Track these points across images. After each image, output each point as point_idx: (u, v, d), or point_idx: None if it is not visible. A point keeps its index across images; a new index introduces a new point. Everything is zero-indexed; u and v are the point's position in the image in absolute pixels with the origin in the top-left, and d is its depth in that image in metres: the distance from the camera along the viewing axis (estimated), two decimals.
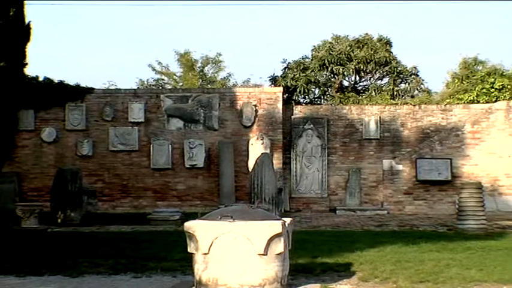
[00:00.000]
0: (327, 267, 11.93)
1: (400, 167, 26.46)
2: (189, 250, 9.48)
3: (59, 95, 27.72)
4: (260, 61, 58.91)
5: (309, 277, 11.00)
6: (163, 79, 44.80)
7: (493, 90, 32.08)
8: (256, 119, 27.44)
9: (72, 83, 28.39)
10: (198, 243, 9.25)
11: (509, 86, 32.05)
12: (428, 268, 11.75)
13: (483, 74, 33.39)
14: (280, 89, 28.82)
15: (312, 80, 33.80)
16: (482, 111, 26.69)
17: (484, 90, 32.14)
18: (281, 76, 33.93)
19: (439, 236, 17.32)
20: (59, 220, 21.16)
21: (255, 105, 27.46)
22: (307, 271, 11.40)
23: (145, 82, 43.58)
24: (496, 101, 29.31)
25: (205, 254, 9.22)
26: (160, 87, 41.04)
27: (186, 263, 11.10)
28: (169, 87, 41.89)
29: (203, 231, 9.25)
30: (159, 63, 44.55)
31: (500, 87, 32.06)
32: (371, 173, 27.67)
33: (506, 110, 26.25)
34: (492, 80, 32.52)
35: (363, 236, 17.46)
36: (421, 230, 19.67)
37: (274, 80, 33.86)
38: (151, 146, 27.48)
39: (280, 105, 27.58)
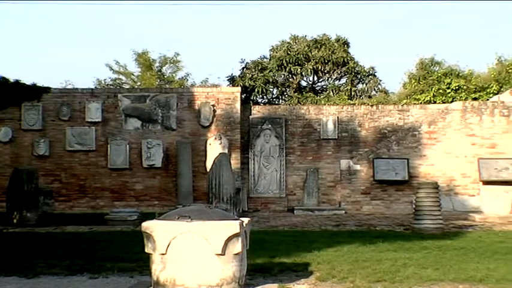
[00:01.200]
0: (285, 267, 11.94)
1: (358, 167, 26.58)
2: (146, 250, 9.43)
3: (15, 94, 27.36)
4: (218, 61, 58.85)
5: (267, 277, 11.00)
6: (121, 79, 44.56)
7: (449, 90, 32.39)
8: (214, 119, 27.41)
9: (28, 82, 28.06)
10: (155, 243, 9.21)
11: (465, 87, 32.38)
12: (385, 267, 11.81)
13: (440, 74, 33.68)
14: (238, 89, 28.81)
15: (270, 80, 33.85)
16: (439, 112, 26.90)
17: (441, 90, 32.44)
18: (239, 76, 33.92)
19: (396, 236, 17.42)
20: (15, 220, 20.95)
21: (213, 105, 27.43)
22: (265, 271, 11.40)
23: (103, 82, 43.32)
24: (452, 101, 29.58)
25: (163, 254, 9.18)
26: (118, 87, 40.77)
27: (144, 263, 11.06)
28: (127, 87, 41.72)
29: (161, 232, 9.22)
30: (117, 62, 44.33)
31: (456, 87, 32.37)
32: (329, 173, 27.77)
33: (462, 110, 26.47)
34: (448, 80, 32.83)
35: (321, 235, 17.51)
36: (378, 229, 19.77)
37: (232, 80, 33.84)
38: (108, 146, 27.33)
39: (238, 105, 27.58)
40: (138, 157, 27.32)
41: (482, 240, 16.76)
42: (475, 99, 30.67)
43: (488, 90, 32.33)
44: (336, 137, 27.92)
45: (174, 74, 44.60)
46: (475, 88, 32.57)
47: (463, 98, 30.82)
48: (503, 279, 10.86)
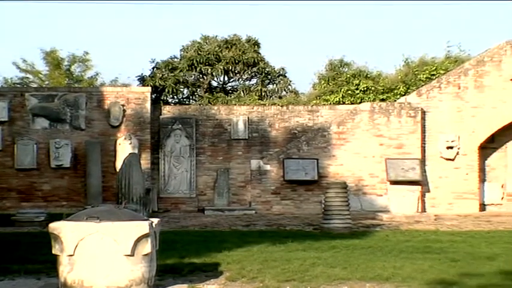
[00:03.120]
0: (195, 267, 11.93)
1: (268, 167, 26.71)
2: (53, 252, 9.31)
3: None
4: (128, 61, 58.46)
5: (177, 277, 10.97)
6: (28, 77, 43.86)
7: (357, 91, 32.85)
8: (124, 118, 27.18)
9: None
10: (63, 244, 9.10)
11: (373, 88, 32.88)
12: (295, 267, 11.89)
13: (348, 75, 34.12)
14: (149, 88, 28.64)
15: (181, 80, 33.79)
16: (348, 112, 27.22)
17: (350, 91, 32.88)
18: (149, 76, 33.76)
19: (305, 236, 17.58)
20: None
21: (123, 105, 27.19)
22: (174, 271, 11.37)
23: (9, 80, 42.54)
24: (360, 102, 29.97)
25: (71, 255, 9.08)
26: (25, 86, 40.08)
27: (51, 265, 10.89)
28: (35, 85, 41.03)
29: (68, 233, 9.11)
30: (24, 61, 43.63)
31: (365, 88, 32.86)
32: (239, 173, 27.82)
33: (370, 111, 26.84)
34: (357, 81, 33.29)
35: (231, 235, 17.54)
36: (288, 229, 19.91)
37: (142, 80, 33.65)
38: (15, 145, 26.82)
39: (148, 105, 27.40)
40: (46, 157, 26.90)
41: (389, 239, 17.05)
42: (382, 100, 31.15)
43: (395, 91, 32.89)
44: (247, 137, 27.99)
45: (83, 73, 44.17)
46: (383, 89, 33.10)
47: (371, 99, 31.27)
48: (409, 277, 11.05)
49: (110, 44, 62.40)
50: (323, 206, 19.74)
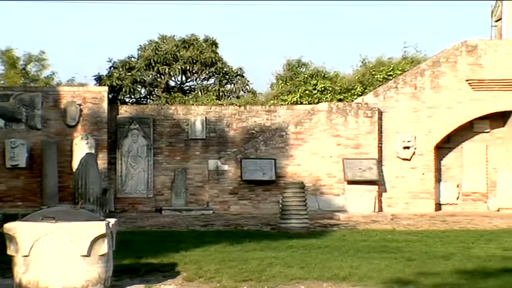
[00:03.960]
0: (152, 267, 11.90)
1: (226, 167, 26.70)
2: (8, 252, 9.22)
3: None
4: (85, 60, 58.07)
5: (134, 278, 10.94)
6: None
7: (315, 91, 32.93)
8: (81, 118, 26.97)
9: None
10: (18, 245, 9.02)
11: (330, 88, 33.00)
12: (252, 267, 11.91)
13: (306, 76, 34.21)
14: (106, 88, 28.46)
15: (138, 80, 33.64)
16: (305, 113, 27.29)
17: (307, 91, 32.95)
18: (106, 75, 33.56)
19: (262, 235, 17.61)
20: None
21: (80, 105, 26.98)
22: (131, 272, 11.33)
23: None
24: (318, 102, 30.06)
25: (26, 256, 9.01)
26: None
27: (6, 265, 10.77)
28: None
29: (24, 233, 9.03)
30: None
31: (322, 89, 32.95)
32: (197, 173, 27.76)
33: (327, 111, 26.94)
34: (315, 81, 33.38)
35: (188, 236, 17.53)
36: (246, 229, 19.95)
37: (99, 79, 33.44)
38: None
39: (105, 104, 27.22)
40: (1, 157, 26.60)
41: (346, 239, 17.15)
42: (340, 100, 31.28)
43: (353, 91, 33.03)
44: (204, 137, 27.93)
45: (39, 73, 43.80)
46: (340, 89, 33.22)
47: (329, 99, 31.38)
48: (365, 276, 11.13)
49: (67, 43, 62.02)
50: (280, 206, 19.78)
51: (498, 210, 27.00)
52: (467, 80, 26.89)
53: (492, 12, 29.60)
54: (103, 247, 9.19)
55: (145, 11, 69.95)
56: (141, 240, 16.14)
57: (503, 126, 27.80)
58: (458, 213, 26.11)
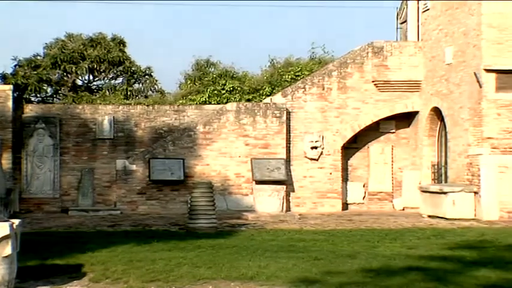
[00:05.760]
0: (58, 269, 11.75)
1: (134, 167, 26.52)
2: None
3: None
4: None
5: (38, 280, 10.77)
6: None
7: (224, 91, 33.04)
8: None
9: None
10: None
11: (239, 88, 33.13)
12: (160, 267, 11.87)
13: (215, 75, 34.30)
14: (10, 87, 27.91)
15: (44, 79, 33.17)
16: (214, 113, 27.31)
17: (216, 91, 33.01)
18: (11, 73, 32.98)
19: (171, 235, 17.56)
20: None
21: None
22: (36, 273, 11.16)
23: None
24: (226, 102, 30.13)
25: None
26: None
27: None
28: None
29: None
30: None
31: (231, 89, 33.08)
32: (104, 173, 27.49)
33: (236, 111, 27.01)
34: (223, 81, 33.49)
35: (95, 236, 17.36)
36: (154, 229, 19.86)
37: (3, 78, 32.84)
38: None
39: (10, 103, 26.71)
40: None
41: (254, 238, 17.22)
42: (248, 100, 31.43)
43: (261, 91, 33.24)
44: (112, 137, 27.68)
45: None
46: (249, 89, 33.41)
47: (237, 99, 31.49)
48: (273, 276, 11.19)
49: None
50: (189, 206, 19.75)
51: (403, 210, 27.51)
52: (373, 81, 27.33)
53: (397, 15, 30.10)
54: (7, 249, 9.02)
55: (52, 8, 68.96)
56: (47, 241, 15.89)
57: (408, 126, 28.34)
58: (365, 213, 26.49)
